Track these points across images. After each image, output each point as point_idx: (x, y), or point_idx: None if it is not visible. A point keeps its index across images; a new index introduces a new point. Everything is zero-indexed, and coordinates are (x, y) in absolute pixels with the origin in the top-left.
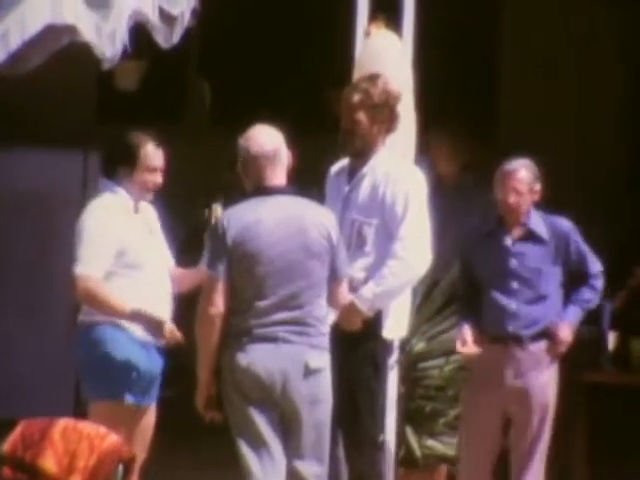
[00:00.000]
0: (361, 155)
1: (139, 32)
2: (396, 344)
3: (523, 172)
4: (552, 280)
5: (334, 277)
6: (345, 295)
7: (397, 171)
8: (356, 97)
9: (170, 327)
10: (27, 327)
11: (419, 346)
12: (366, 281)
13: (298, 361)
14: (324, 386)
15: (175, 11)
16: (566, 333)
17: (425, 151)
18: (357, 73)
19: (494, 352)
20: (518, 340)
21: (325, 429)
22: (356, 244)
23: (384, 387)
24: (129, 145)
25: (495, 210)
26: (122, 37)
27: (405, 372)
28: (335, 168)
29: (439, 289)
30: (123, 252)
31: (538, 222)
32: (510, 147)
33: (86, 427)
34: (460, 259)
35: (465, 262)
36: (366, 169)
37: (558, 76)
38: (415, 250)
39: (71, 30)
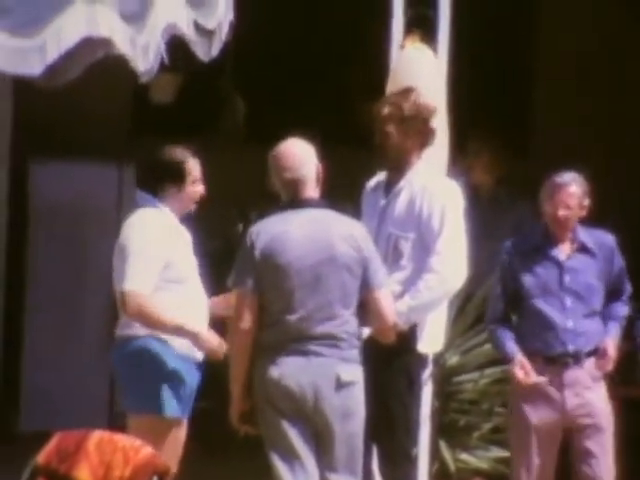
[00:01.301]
0: (397, 169)
1: (175, 46)
2: (430, 358)
3: (574, 186)
4: (600, 295)
5: (366, 286)
6: (385, 304)
7: (433, 185)
8: (386, 110)
9: (219, 341)
10: (61, 342)
11: (453, 360)
12: (402, 295)
13: (329, 374)
14: (356, 399)
15: (210, 25)
16: (613, 349)
17: (460, 163)
18: (391, 85)
19: (550, 372)
20: (577, 358)
21: (358, 442)
22: (392, 258)
23: (418, 401)
24: (175, 161)
25: (538, 224)
26: (156, 50)
27: (439, 386)
28: (371, 183)
29: (473, 303)
30: (168, 267)
31: (586, 236)
32: (543, 161)
33: (121, 439)
34: (501, 275)
35: (508, 278)
36: (402, 183)
37: (593, 90)
38: (451, 264)
39: (106, 43)
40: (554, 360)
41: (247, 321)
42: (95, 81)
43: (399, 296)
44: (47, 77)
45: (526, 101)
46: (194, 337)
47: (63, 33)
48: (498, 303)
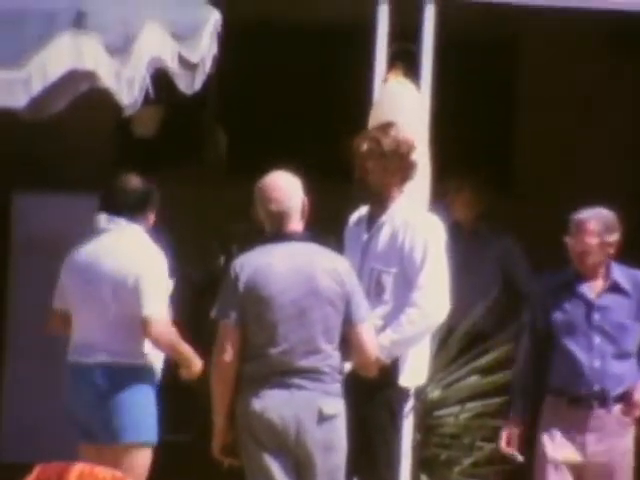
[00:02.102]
0: (378, 203)
1: (157, 78)
2: (412, 392)
3: (592, 223)
4: (634, 336)
5: (348, 321)
6: (367, 338)
7: (415, 219)
8: (365, 145)
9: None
10: (41, 372)
11: (434, 394)
12: (384, 329)
13: (312, 407)
14: (338, 433)
15: (194, 58)
16: None
17: (442, 198)
18: (373, 119)
19: (573, 414)
20: (603, 400)
21: (340, 476)
22: (375, 292)
23: (399, 435)
24: (151, 189)
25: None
26: (141, 83)
27: (420, 420)
28: (354, 217)
29: (454, 337)
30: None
31: (620, 274)
32: (526, 196)
33: (102, 472)
34: (534, 311)
35: (539, 315)
36: (384, 217)
37: (575, 127)
38: (433, 299)
39: (91, 76)
40: (578, 401)
41: (229, 354)
42: (78, 114)
43: (381, 330)
44: (31, 109)
45: (509, 135)
46: (190, 363)
47: (48, 65)
48: (526, 341)
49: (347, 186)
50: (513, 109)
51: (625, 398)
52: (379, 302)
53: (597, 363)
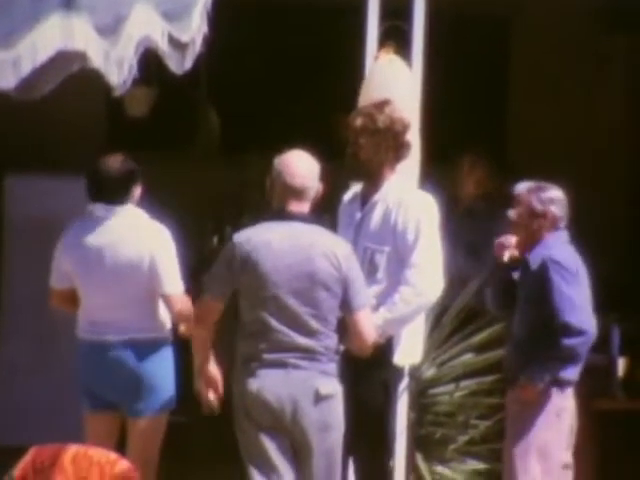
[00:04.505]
0: (371, 182)
1: (149, 59)
2: (406, 370)
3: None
4: None
5: (346, 307)
6: (364, 325)
7: (408, 198)
8: (359, 121)
9: None
10: (36, 355)
11: (429, 372)
12: (377, 308)
13: (308, 387)
14: (335, 413)
15: (185, 38)
16: None
17: (450, 176)
18: (363, 96)
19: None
20: None
21: (336, 456)
22: (368, 271)
23: (394, 414)
24: (133, 168)
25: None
26: (130, 64)
27: (415, 398)
28: (348, 195)
29: (448, 315)
30: None
31: None
32: (520, 174)
33: (96, 453)
34: None
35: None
36: (378, 196)
37: (568, 102)
38: (427, 277)
39: (81, 56)
40: None
41: (202, 327)
42: (70, 94)
43: (374, 309)
44: (21, 90)
45: (502, 114)
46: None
47: (38, 46)
48: None
49: (340, 164)
50: (506, 88)
51: None
52: (373, 281)
53: None
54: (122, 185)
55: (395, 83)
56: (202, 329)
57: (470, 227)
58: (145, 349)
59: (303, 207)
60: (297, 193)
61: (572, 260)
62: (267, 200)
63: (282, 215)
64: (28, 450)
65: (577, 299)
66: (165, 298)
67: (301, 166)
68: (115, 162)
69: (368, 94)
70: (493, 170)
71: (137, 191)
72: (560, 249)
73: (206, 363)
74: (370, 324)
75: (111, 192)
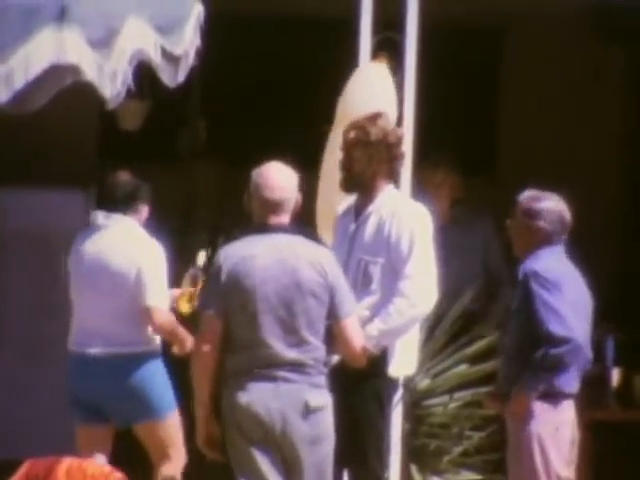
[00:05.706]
0: (365, 194)
1: (142, 72)
2: (401, 382)
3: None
4: None
5: (333, 315)
6: (351, 332)
7: (402, 209)
8: (352, 134)
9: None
10: (30, 367)
11: (423, 383)
12: (372, 319)
13: (298, 400)
14: (325, 425)
15: (177, 51)
16: None
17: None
18: (342, 102)
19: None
20: None
21: (327, 468)
22: (362, 283)
23: (389, 425)
24: (140, 184)
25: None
26: (123, 77)
27: (409, 409)
28: (342, 207)
29: (442, 326)
30: None
31: None
32: (510, 182)
33: (90, 466)
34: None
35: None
36: (371, 208)
37: (558, 112)
38: (421, 288)
39: (74, 70)
40: None
41: (210, 345)
42: (62, 108)
43: (369, 321)
44: (14, 104)
45: (494, 123)
46: (183, 342)
47: (31, 59)
48: None
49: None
50: (498, 97)
51: None
52: (367, 292)
53: None
54: (124, 196)
55: (372, 95)
56: (209, 349)
57: (459, 232)
58: (132, 362)
59: (284, 219)
60: (276, 205)
61: (554, 270)
62: (247, 213)
63: (264, 228)
64: (22, 463)
65: (560, 308)
66: (147, 310)
67: (279, 178)
68: (123, 175)
69: (345, 100)
70: (456, 177)
71: (144, 209)
72: (546, 261)
73: (207, 419)
74: (358, 331)
75: (112, 201)
